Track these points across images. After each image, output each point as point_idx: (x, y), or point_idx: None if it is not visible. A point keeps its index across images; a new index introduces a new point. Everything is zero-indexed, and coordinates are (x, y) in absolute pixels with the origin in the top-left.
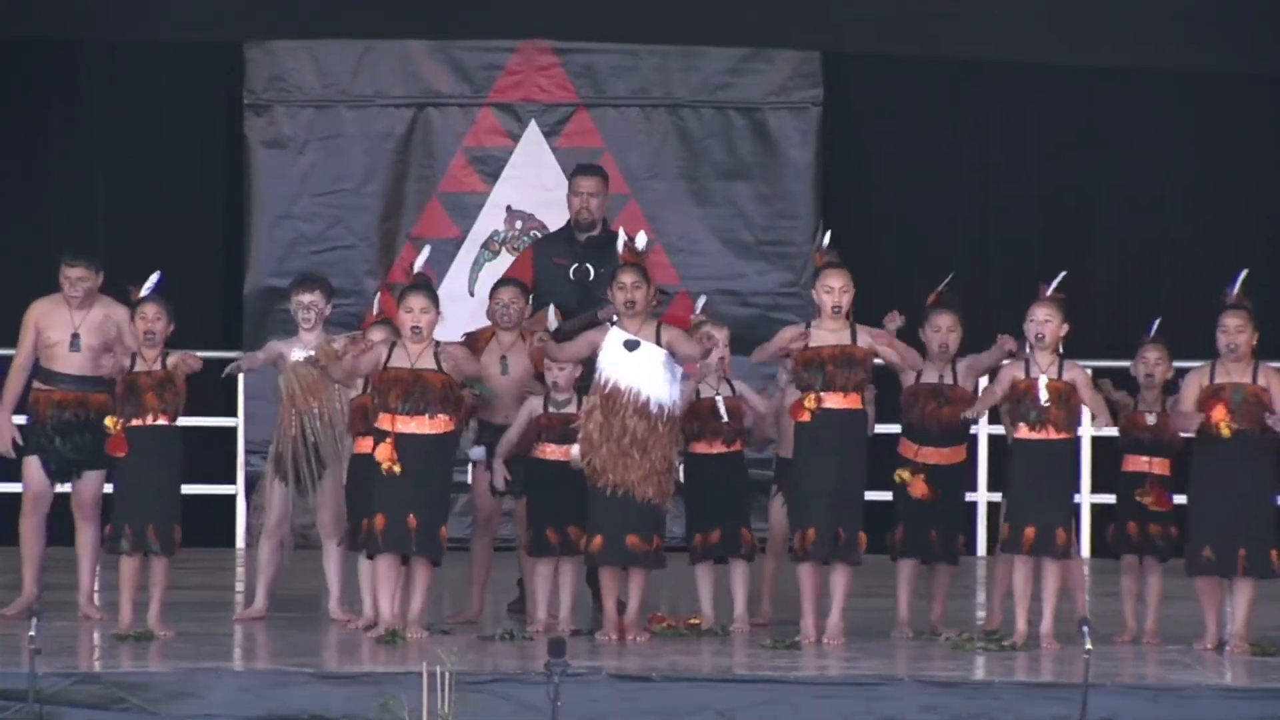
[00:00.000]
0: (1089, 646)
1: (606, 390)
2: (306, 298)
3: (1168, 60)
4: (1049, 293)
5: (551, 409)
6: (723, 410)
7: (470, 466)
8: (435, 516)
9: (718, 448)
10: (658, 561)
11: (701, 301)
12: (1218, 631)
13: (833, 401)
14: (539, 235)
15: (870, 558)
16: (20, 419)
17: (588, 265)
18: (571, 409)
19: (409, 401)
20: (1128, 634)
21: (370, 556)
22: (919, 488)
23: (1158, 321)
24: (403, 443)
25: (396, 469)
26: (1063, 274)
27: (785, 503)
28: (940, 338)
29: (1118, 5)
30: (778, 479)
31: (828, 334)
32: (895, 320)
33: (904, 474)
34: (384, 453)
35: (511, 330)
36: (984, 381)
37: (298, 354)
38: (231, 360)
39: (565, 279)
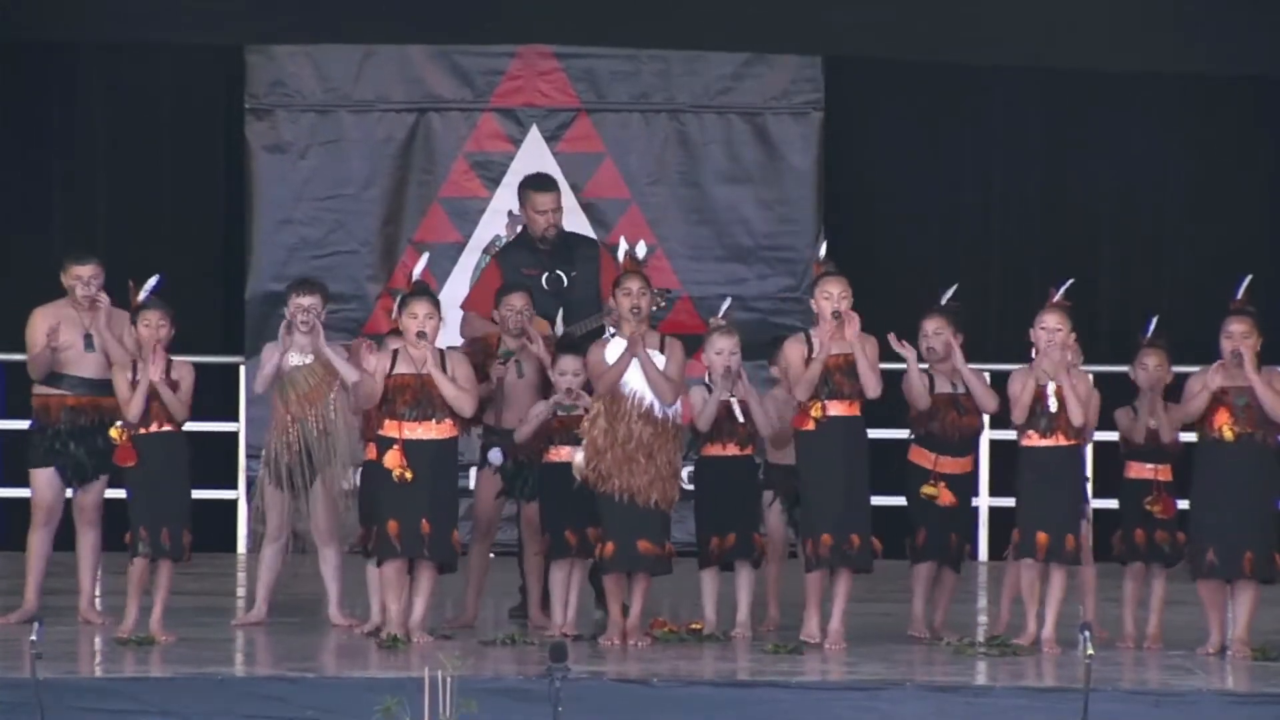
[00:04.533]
0: (1090, 652)
1: (610, 396)
2: (306, 300)
3: (1169, 64)
4: (1057, 298)
5: (561, 412)
6: (738, 412)
7: (473, 471)
8: (447, 521)
9: (731, 450)
10: (667, 567)
11: (725, 305)
12: (1222, 637)
13: (836, 409)
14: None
15: (874, 563)
16: (25, 424)
17: (559, 272)
18: (580, 412)
19: (417, 408)
20: (1128, 640)
21: (380, 563)
22: (946, 496)
23: (1155, 319)
24: (411, 449)
25: (408, 475)
26: (1070, 281)
27: (784, 509)
28: (926, 341)
29: (1118, 9)
30: (770, 485)
31: (831, 343)
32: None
33: (931, 488)
34: (393, 460)
35: (519, 336)
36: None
37: (294, 359)
38: (233, 364)
39: (539, 288)
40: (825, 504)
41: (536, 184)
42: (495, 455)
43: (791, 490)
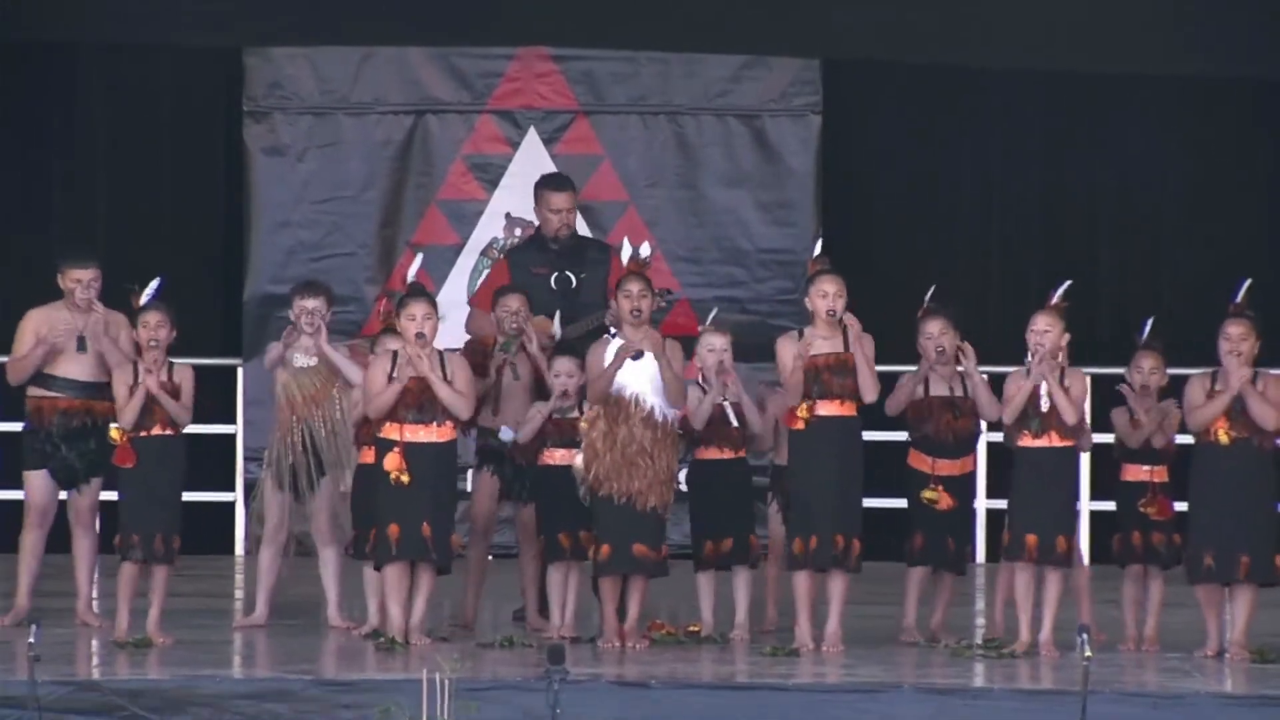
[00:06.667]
0: (1088, 654)
1: (610, 399)
2: (310, 303)
3: (1168, 65)
4: (1054, 300)
5: (558, 415)
6: (731, 416)
7: (470, 473)
8: (446, 524)
9: (725, 453)
10: (663, 570)
11: (712, 314)
12: (1219, 639)
13: (828, 409)
14: (512, 245)
15: (871, 565)
16: (19, 426)
17: (568, 274)
18: (576, 414)
19: (419, 411)
20: (1130, 642)
21: (378, 567)
22: (945, 500)
23: (1150, 321)
24: (412, 451)
25: (405, 479)
26: (1068, 282)
27: (780, 509)
28: (933, 343)
29: (1117, 11)
30: (773, 485)
31: (822, 342)
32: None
33: (930, 494)
34: (392, 462)
35: (516, 338)
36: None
37: (299, 360)
38: (231, 366)
39: (547, 288)
40: (814, 504)
41: (550, 183)
42: (506, 433)
43: (786, 491)
